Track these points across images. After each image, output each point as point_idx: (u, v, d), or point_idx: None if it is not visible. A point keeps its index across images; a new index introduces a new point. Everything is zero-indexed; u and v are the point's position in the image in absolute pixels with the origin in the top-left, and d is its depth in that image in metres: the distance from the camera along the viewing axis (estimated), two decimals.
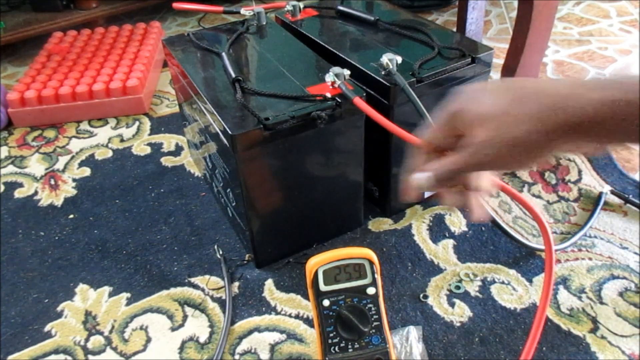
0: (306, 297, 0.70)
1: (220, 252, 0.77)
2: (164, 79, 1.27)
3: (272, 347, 0.64)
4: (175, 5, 0.97)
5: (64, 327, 0.69)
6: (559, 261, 0.72)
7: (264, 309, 0.69)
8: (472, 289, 0.69)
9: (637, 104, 0.32)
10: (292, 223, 0.74)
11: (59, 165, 1.00)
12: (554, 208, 0.81)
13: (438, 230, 0.78)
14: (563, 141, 0.35)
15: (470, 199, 0.44)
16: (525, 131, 0.35)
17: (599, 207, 0.79)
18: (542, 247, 0.73)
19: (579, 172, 0.85)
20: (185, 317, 0.69)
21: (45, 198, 0.91)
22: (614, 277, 0.69)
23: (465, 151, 0.39)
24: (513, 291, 0.69)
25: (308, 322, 0.67)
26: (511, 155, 0.37)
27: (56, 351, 0.66)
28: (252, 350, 0.64)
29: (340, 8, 0.89)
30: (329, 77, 0.67)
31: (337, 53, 0.77)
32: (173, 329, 0.68)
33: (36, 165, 1.00)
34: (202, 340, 0.66)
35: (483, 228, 0.78)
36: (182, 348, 0.65)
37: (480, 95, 0.39)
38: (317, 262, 0.54)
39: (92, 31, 1.35)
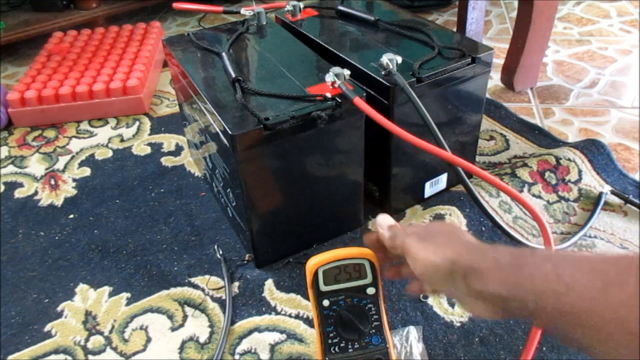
0: (306, 297, 0.70)
1: (220, 252, 0.77)
2: (164, 79, 1.27)
3: (272, 347, 0.64)
4: (175, 5, 0.97)
5: (64, 327, 0.69)
6: None
7: (264, 309, 0.69)
8: None
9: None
10: (292, 223, 0.74)
11: (59, 165, 1.00)
12: (554, 208, 0.81)
13: None
14: (463, 279, 0.41)
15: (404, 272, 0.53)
16: (434, 265, 0.44)
17: (599, 207, 0.79)
18: (542, 247, 0.72)
19: (579, 172, 0.85)
20: (185, 317, 0.69)
21: (45, 198, 0.91)
22: None
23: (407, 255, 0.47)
24: None
25: (308, 322, 0.67)
26: (428, 274, 0.45)
27: (56, 351, 0.66)
28: (252, 350, 0.64)
29: (340, 8, 0.89)
30: (329, 77, 0.67)
31: (337, 53, 0.77)
32: (173, 329, 0.68)
33: (36, 165, 1.00)
34: (202, 340, 0.66)
35: (483, 228, 0.78)
36: (182, 348, 0.65)
37: (422, 229, 0.49)
38: (317, 262, 0.54)
39: (92, 31, 1.35)
